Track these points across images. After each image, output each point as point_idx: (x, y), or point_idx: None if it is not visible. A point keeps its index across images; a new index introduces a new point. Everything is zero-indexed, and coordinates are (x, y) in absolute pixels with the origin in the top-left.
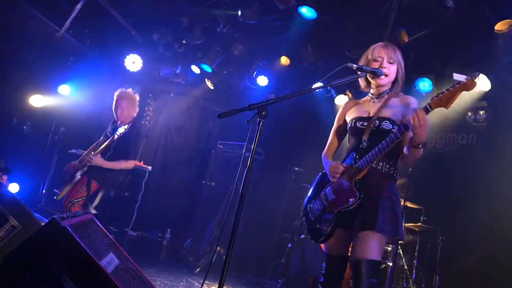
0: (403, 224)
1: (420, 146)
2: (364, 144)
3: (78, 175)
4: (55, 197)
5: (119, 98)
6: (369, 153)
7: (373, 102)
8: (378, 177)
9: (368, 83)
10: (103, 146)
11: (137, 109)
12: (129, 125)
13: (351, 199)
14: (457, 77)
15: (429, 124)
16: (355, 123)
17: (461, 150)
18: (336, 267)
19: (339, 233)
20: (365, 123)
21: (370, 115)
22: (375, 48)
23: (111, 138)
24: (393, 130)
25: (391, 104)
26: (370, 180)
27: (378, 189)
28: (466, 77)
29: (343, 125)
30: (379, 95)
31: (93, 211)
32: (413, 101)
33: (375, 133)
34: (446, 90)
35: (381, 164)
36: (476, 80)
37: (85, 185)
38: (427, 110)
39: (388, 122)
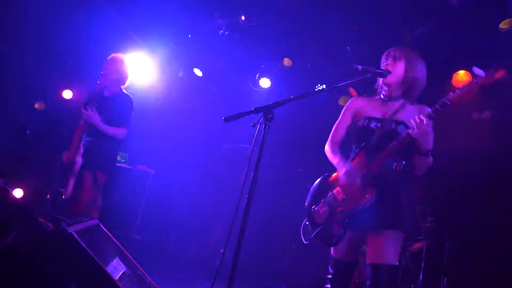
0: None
1: (429, 154)
2: (373, 142)
3: (79, 160)
4: (63, 196)
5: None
6: (382, 150)
7: (385, 104)
8: (393, 176)
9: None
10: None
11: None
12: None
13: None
14: (477, 71)
15: (431, 131)
16: (368, 123)
17: (466, 150)
18: (344, 272)
19: (348, 236)
20: (379, 124)
21: (385, 117)
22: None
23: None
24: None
25: (407, 109)
26: (386, 179)
27: (396, 187)
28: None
29: (349, 120)
30: (391, 99)
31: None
32: (429, 110)
33: (387, 134)
34: (460, 88)
35: (395, 164)
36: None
37: (92, 181)
38: (444, 106)
39: (404, 127)
